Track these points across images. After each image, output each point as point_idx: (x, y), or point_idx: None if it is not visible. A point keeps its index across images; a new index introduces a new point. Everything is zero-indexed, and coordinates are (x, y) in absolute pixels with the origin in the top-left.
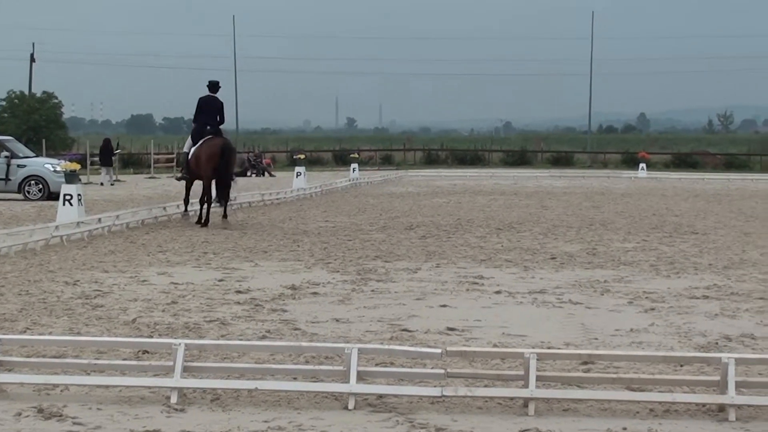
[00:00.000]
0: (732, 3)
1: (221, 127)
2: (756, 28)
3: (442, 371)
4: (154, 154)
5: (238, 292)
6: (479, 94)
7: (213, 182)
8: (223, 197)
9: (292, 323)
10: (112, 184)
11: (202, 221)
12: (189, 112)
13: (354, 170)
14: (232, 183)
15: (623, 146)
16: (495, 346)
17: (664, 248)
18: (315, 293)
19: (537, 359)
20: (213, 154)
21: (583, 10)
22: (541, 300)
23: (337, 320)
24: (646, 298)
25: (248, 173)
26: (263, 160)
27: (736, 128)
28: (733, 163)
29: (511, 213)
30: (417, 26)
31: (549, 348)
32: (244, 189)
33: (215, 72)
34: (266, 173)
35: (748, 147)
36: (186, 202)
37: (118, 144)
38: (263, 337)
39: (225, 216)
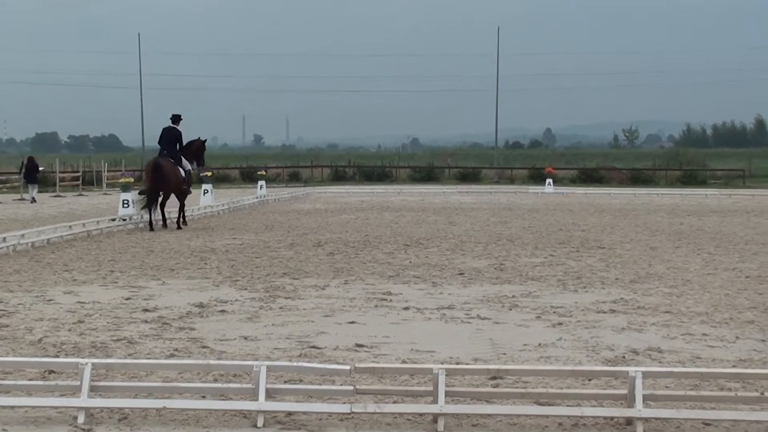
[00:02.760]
0: (635, 20)
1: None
2: (659, 44)
3: (351, 388)
4: (60, 172)
5: (146, 310)
6: (386, 110)
7: (158, 194)
8: (161, 206)
9: (200, 341)
10: (24, 199)
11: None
12: (95, 130)
13: (261, 187)
14: (184, 191)
15: (530, 162)
16: (404, 362)
17: (571, 263)
18: (223, 311)
19: (446, 375)
20: (148, 172)
21: (489, 27)
22: (450, 315)
23: (246, 338)
24: (554, 312)
25: None
26: None
27: (642, 143)
28: (638, 178)
29: (419, 229)
30: (323, 42)
31: (458, 363)
32: None
33: (121, 90)
34: None
35: (653, 162)
36: (161, 212)
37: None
38: (171, 356)
39: (168, 223)
